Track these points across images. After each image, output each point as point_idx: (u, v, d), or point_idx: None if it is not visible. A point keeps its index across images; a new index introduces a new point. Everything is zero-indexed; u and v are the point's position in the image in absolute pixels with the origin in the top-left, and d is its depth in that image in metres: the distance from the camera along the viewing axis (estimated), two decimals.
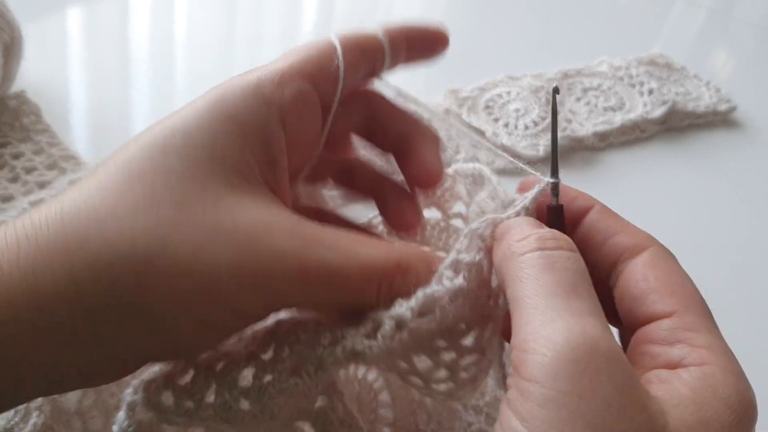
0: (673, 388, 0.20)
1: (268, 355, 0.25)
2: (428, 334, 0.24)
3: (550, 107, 0.30)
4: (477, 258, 0.24)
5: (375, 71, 0.30)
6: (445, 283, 0.24)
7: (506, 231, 0.24)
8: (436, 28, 0.31)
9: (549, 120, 0.60)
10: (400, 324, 0.23)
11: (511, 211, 0.26)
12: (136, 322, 0.21)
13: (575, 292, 0.21)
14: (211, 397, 0.25)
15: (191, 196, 0.22)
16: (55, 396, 0.29)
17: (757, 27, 0.89)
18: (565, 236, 0.23)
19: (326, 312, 0.25)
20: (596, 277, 0.24)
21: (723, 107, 0.66)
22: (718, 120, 0.67)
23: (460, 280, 0.24)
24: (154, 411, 0.25)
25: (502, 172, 0.57)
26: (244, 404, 0.24)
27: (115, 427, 0.26)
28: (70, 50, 0.66)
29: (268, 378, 0.24)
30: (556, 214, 0.26)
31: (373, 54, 0.29)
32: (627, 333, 0.24)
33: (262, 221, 0.23)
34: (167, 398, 0.25)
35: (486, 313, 0.25)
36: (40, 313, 0.20)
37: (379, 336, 0.23)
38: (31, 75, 0.57)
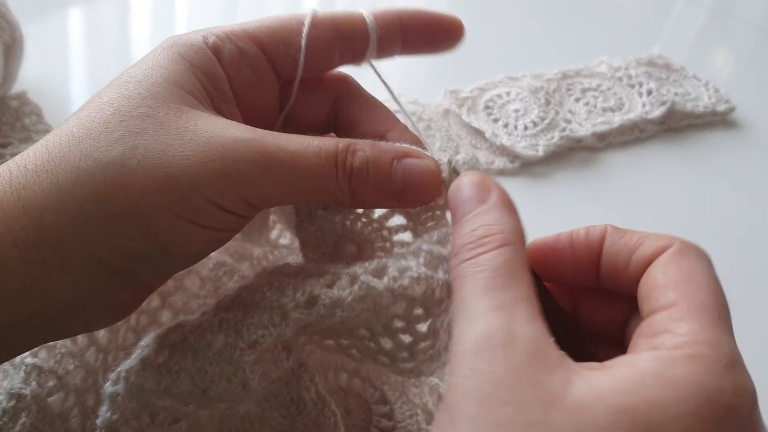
0: (613, 370, 0.20)
1: (236, 317, 0.26)
2: (380, 297, 0.25)
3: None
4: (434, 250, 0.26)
5: (357, 55, 0.29)
6: (396, 251, 0.26)
7: (456, 217, 0.25)
8: (446, 19, 0.29)
9: (548, 120, 0.60)
10: (353, 278, 0.26)
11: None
12: (116, 219, 0.23)
13: (490, 288, 0.22)
14: (187, 365, 0.26)
15: (154, 109, 0.24)
16: (43, 397, 0.29)
17: (757, 27, 0.89)
18: (499, 224, 0.24)
19: (298, 203, 0.27)
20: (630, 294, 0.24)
21: (722, 107, 0.66)
22: (717, 120, 0.67)
23: (416, 261, 0.26)
24: (136, 396, 0.26)
25: (501, 172, 0.57)
26: (217, 367, 0.26)
27: (98, 420, 0.27)
28: (71, 50, 0.66)
29: (237, 336, 0.26)
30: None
31: (352, 36, 0.28)
32: None
33: (221, 123, 0.25)
34: (146, 379, 0.26)
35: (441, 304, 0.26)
36: (31, 223, 0.22)
37: (335, 287, 0.26)
38: (32, 75, 0.57)
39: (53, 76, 0.60)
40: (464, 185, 0.25)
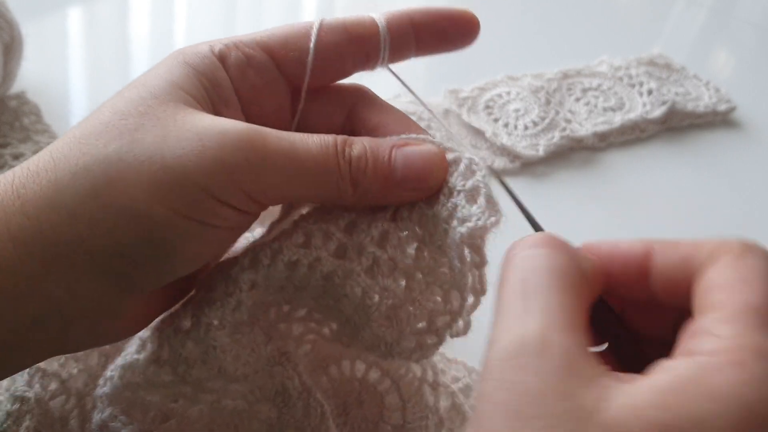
0: (648, 380, 0.19)
1: (200, 295, 0.27)
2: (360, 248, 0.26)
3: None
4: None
5: (370, 59, 0.28)
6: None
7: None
8: (460, 14, 0.29)
9: (548, 120, 0.60)
10: (327, 234, 0.26)
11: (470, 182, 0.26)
12: (111, 215, 0.23)
13: (525, 291, 0.21)
14: (164, 355, 0.26)
15: (153, 107, 0.24)
16: (45, 400, 0.29)
17: (758, 26, 0.89)
18: (536, 234, 0.23)
19: (299, 199, 0.27)
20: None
21: (723, 107, 0.66)
22: (718, 120, 0.67)
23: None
24: (124, 394, 0.26)
25: (501, 172, 0.57)
26: (188, 349, 0.26)
27: (92, 423, 0.27)
28: (71, 50, 0.66)
29: (201, 313, 0.26)
30: (604, 311, 0.24)
31: (363, 40, 0.28)
32: None
33: (221, 120, 0.25)
34: (131, 376, 0.26)
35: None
36: (28, 220, 0.22)
37: (312, 245, 0.26)
38: (31, 75, 0.57)
39: (53, 76, 0.60)
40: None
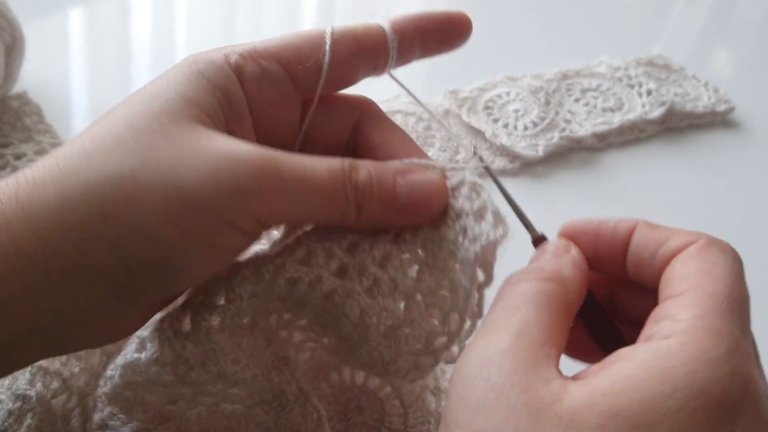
0: (613, 367, 0.20)
1: (199, 299, 0.27)
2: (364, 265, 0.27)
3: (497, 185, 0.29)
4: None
5: (378, 67, 0.29)
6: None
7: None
8: (456, 16, 0.29)
9: (548, 121, 0.61)
10: (330, 253, 0.27)
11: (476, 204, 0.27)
12: (122, 234, 0.23)
13: (506, 310, 0.23)
14: (165, 355, 0.27)
15: (167, 125, 0.24)
16: (47, 399, 0.30)
17: (757, 26, 0.89)
18: (554, 264, 0.25)
19: (305, 221, 0.28)
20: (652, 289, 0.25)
21: (721, 108, 0.66)
22: (717, 120, 0.67)
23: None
24: (125, 393, 0.27)
25: (501, 172, 0.57)
26: (189, 350, 0.26)
27: (94, 422, 0.27)
28: (71, 50, 0.66)
29: (200, 317, 0.27)
30: (589, 302, 0.26)
31: (374, 49, 0.28)
32: None
33: (234, 141, 0.25)
34: (132, 375, 0.27)
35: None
36: (34, 235, 0.22)
37: (313, 263, 0.26)
38: (32, 75, 0.57)
39: (54, 76, 0.61)
40: (551, 246, 0.26)
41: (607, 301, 0.28)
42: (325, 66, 0.27)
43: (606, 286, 0.28)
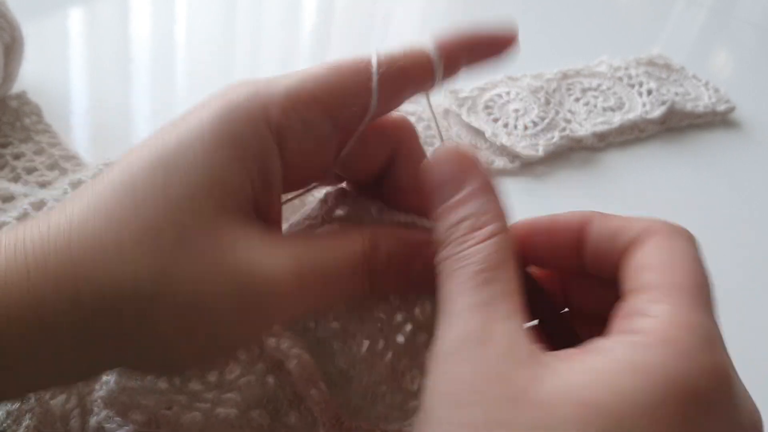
0: (587, 358, 0.20)
1: None
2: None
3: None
4: None
5: (420, 92, 0.27)
6: None
7: (433, 205, 0.24)
8: (504, 33, 0.28)
9: (548, 120, 0.60)
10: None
11: None
12: (136, 349, 0.22)
13: (469, 286, 0.21)
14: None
15: (191, 228, 0.22)
16: (46, 399, 0.30)
17: (757, 26, 0.89)
18: (483, 214, 0.23)
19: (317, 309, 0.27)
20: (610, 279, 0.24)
21: (722, 107, 0.66)
22: (717, 120, 0.67)
23: None
24: (120, 397, 0.27)
25: (501, 172, 0.57)
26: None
27: (90, 425, 0.28)
28: (71, 50, 0.66)
29: None
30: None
31: (420, 79, 0.26)
32: None
33: (258, 251, 0.23)
34: (128, 379, 0.27)
35: None
36: (45, 334, 0.21)
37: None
38: (31, 75, 0.57)
39: (53, 76, 0.60)
40: (442, 164, 0.24)
41: (558, 295, 0.28)
42: (372, 108, 0.25)
43: (558, 280, 0.27)
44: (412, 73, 0.25)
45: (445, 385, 0.20)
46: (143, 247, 0.21)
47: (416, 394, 0.28)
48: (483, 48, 0.27)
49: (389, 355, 0.27)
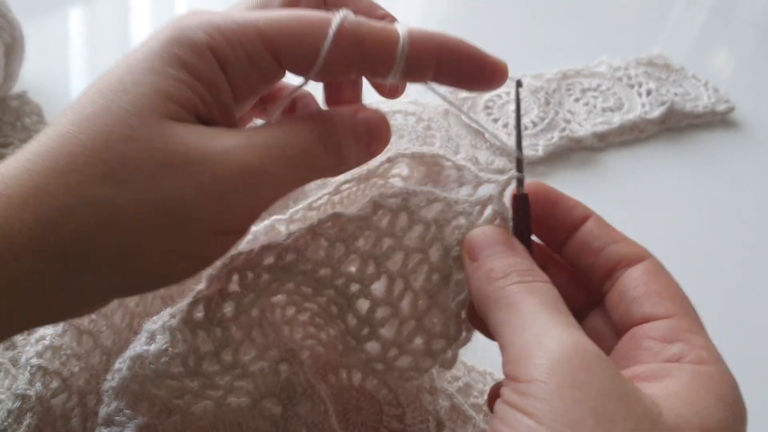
0: (665, 383, 0.22)
1: (228, 287, 0.27)
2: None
3: (515, 101, 0.30)
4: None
5: (376, 75, 0.26)
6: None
7: (481, 253, 0.26)
8: (491, 61, 0.27)
9: (548, 120, 0.61)
10: (349, 249, 0.27)
11: (482, 219, 0.28)
12: (103, 260, 0.22)
13: (557, 309, 0.23)
14: (176, 345, 0.27)
15: (139, 130, 0.23)
16: (47, 398, 0.30)
17: (757, 27, 0.89)
18: (538, 269, 0.25)
19: (292, 188, 0.26)
20: (590, 281, 0.28)
21: (721, 107, 0.66)
22: (717, 120, 0.67)
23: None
24: (132, 386, 0.27)
25: (501, 172, 0.57)
26: (201, 337, 0.27)
27: (99, 417, 0.27)
28: (72, 50, 0.66)
29: (212, 302, 0.27)
30: (521, 203, 0.28)
31: (376, 60, 0.25)
32: (618, 334, 0.26)
33: (210, 136, 0.24)
34: (140, 368, 0.27)
35: None
36: (14, 259, 0.21)
37: (331, 255, 0.27)
38: (32, 75, 0.57)
39: (53, 75, 0.61)
40: (488, 231, 0.27)
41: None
42: (318, 63, 0.25)
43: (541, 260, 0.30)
44: (370, 47, 0.25)
45: (581, 393, 0.20)
46: (95, 159, 0.22)
47: (439, 334, 0.28)
48: (459, 65, 0.26)
49: (410, 294, 0.28)
